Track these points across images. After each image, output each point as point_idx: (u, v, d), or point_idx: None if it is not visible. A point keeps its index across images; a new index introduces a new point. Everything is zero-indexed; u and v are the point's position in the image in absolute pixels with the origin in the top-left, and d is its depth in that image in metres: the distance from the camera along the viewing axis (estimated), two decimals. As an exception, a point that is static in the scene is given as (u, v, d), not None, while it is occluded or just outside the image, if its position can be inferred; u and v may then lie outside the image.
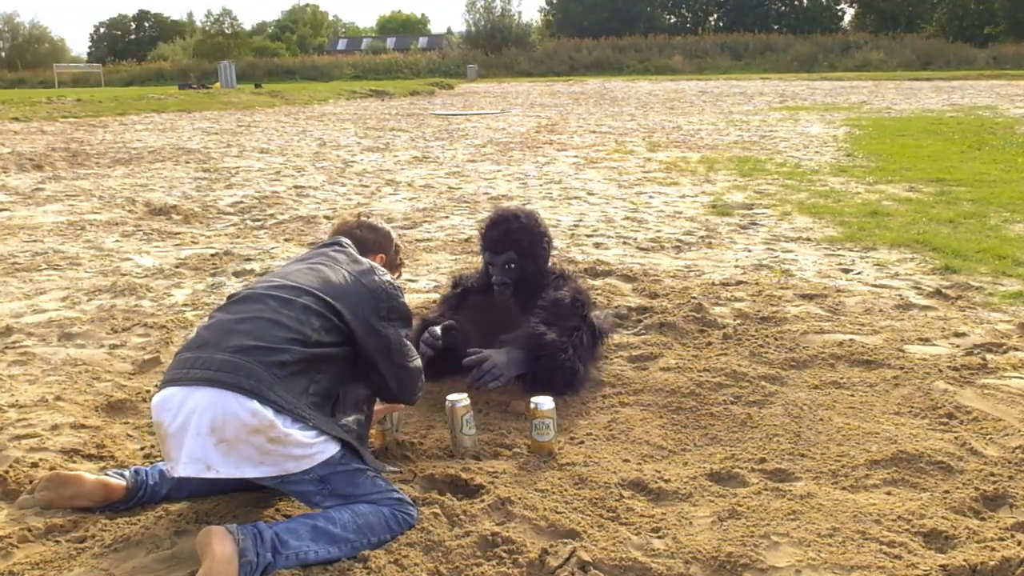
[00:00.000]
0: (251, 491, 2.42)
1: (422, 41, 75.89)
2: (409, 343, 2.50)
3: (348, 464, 2.24)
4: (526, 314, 3.28)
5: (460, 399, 2.71)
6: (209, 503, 2.40)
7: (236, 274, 5.16)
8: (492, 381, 3.08)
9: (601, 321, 3.49)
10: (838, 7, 65.59)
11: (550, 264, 3.53)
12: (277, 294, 2.33)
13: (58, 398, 3.16)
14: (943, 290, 4.50)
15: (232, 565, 1.96)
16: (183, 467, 2.09)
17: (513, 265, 3.33)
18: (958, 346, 3.64)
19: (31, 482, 2.47)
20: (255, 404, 2.08)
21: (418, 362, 2.53)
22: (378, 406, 2.61)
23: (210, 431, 2.07)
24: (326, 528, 2.13)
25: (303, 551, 2.09)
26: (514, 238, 3.32)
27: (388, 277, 2.51)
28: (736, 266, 5.21)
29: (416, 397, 2.57)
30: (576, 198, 7.93)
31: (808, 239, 5.98)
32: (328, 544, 2.12)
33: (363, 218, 2.87)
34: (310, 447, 2.16)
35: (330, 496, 2.22)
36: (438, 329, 3.16)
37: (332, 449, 2.21)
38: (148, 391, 3.26)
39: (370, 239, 2.77)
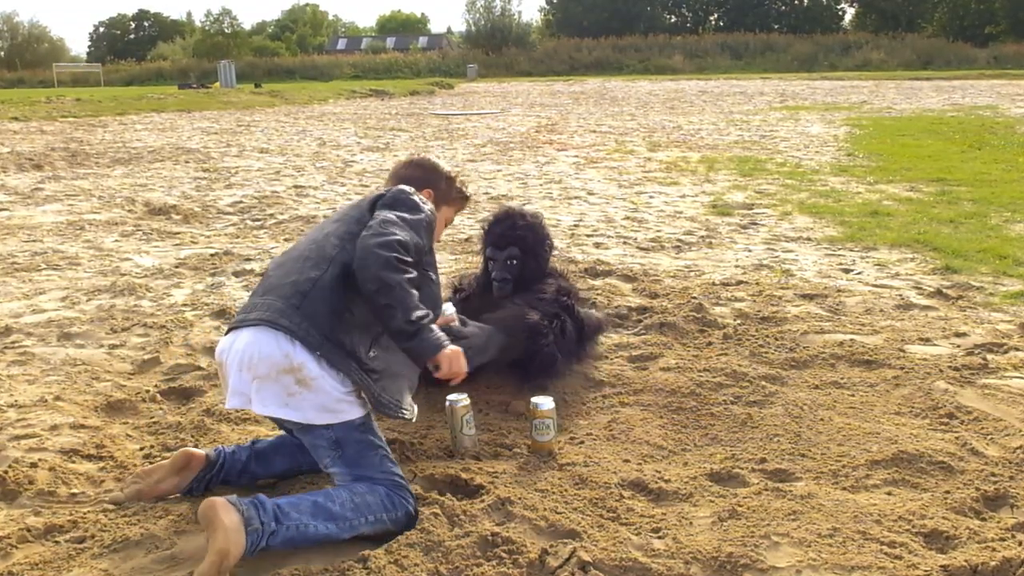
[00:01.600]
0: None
1: (422, 41, 75.90)
2: (394, 222, 2.29)
3: (365, 434, 2.30)
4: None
5: (460, 399, 2.70)
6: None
7: (236, 274, 5.15)
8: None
9: (591, 317, 3.48)
10: (838, 7, 65.61)
11: (551, 266, 3.53)
12: (309, 236, 2.46)
13: (57, 398, 3.16)
14: (944, 290, 4.50)
15: (240, 534, 2.02)
16: (230, 399, 2.28)
17: (515, 261, 3.33)
18: (959, 346, 3.64)
19: (31, 482, 2.48)
20: (287, 344, 2.20)
21: (391, 238, 2.23)
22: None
23: (248, 367, 2.23)
24: (325, 505, 2.19)
25: (303, 524, 2.14)
26: (518, 235, 3.34)
27: (407, 188, 2.49)
28: (736, 266, 5.20)
29: (373, 275, 2.18)
30: (576, 198, 7.93)
31: (808, 239, 5.98)
32: (327, 521, 2.17)
33: (412, 157, 2.83)
34: (337, 402, 2.24)
35: (339, 462, 2.29)
36: (450, 308, 2.99)
37: (356, 412, 2.28)
38: (148, 391, 3.25)
39: (415, 175, 2.70)
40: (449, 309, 2.97)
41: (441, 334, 2.28)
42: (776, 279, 4.84)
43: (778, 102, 22.07)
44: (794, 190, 8.06)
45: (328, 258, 2.32)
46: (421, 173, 2.72)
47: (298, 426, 2.30)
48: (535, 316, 3.15)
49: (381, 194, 2.48)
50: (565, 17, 63.91)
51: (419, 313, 2.20)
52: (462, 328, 2.99)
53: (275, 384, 2.21)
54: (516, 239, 3.33)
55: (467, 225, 6.68)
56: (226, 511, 2.04)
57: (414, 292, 2.21)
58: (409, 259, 2.24)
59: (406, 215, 2.36)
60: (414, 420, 2.43)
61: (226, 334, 2.36)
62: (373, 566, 2.06)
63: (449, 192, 2.76)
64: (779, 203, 7.37)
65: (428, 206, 2.48)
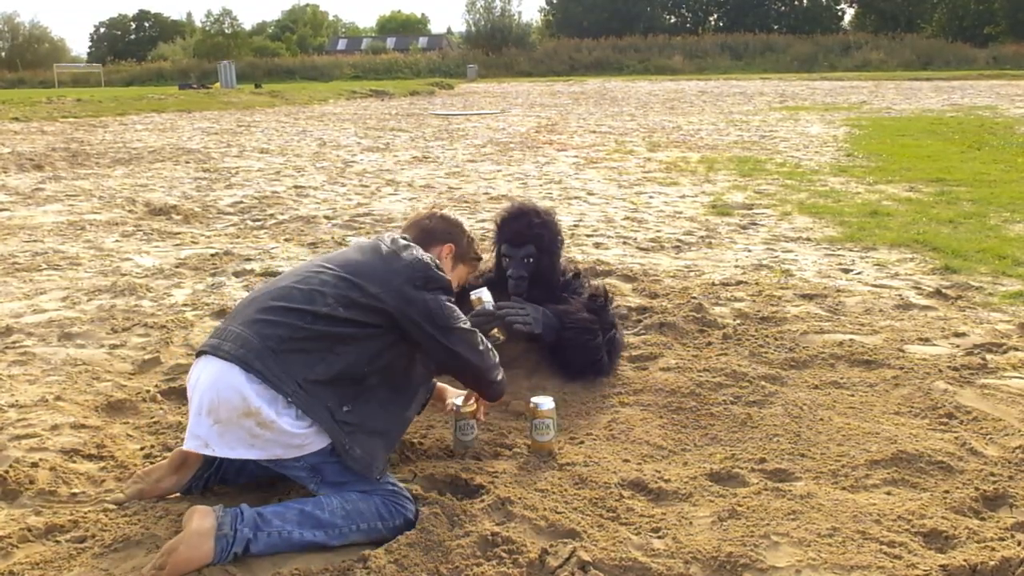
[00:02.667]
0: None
1: (422, 41, 75.88)
2: (456, 309, 2.41)
3: (338, 457, 2.26)
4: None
5: (463, 405, 2.71)
6: (209, 503, 2.40)
7: (236, 274, 5.16)
8: (520, 322, 3.13)
9: (619, 331, 3.51)
10: (838, 7, 65.61)
11: (562, 264, 3.55)
12: (298, 272, 2.40)
13: (58, 398, 3.16)
14: (943, 290, 4.50)
15: (205, 538, 2.05)
16: (187, 442, 2.24)
17: (531, 259, 3.33)
18: (958, 346, 3.64)
19: (31, 482, 2.48)
20: (247, 387, 2.15)
21: (468, 325, 2.43)
22: (466, 406, 2.67)
23: (208, 412, 2.18)
24: (313, 512, 2.18)
25: (286, 531, 2.14)
26: (535, 232, 3.33)
27: (425, 255, 2.45)
28: (736, 266, 5.21)
29: (489, 370, 2.50)
30: (576, 198, 7.93)
31: (808, 239, 5.98)
32: (314, 528, 2.16)
33: (435, 210, 2.80)
34: (300, 437, 2.20)
35: (323, 484, 2.26)
36: (484, 292, 3.05)
37: (322, 442, 2.23)
38: (148, 391, 3.26)
39: (439, 228, 2.70)
40: (485, 295, 3.03)
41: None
42: (776, 279, 4.84)
43: (778, 102, 22.07)
44: (794, 190, 8.06)
45: (316, 314, 2.26)
46: (445, 227, 2.73)
47: (270, 463, 2.27)
48: (587, 316, 3.24)
49: (403, 261, 2.41)
50: (565, 17, 63.91)
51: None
52: (521, 301, 3.18)
53: (237, 428, 2.17)
54: (533, 237, 3.32)
55: (467, 225, 6.68)
56: (201, 517, 2.08)
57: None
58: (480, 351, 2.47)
59: (445, 296, 2.41)
60: (380, 479, 2.32)
61: (197, 356, 2.32)
62: (373, 566, 2.06)
63: (468, 251, 2.78)
64: (779, 203, 7.38)
65: (439, 270, 2.48)
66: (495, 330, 2.80)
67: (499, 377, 2.56)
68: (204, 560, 2.05)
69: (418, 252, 2.45)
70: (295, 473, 2.28)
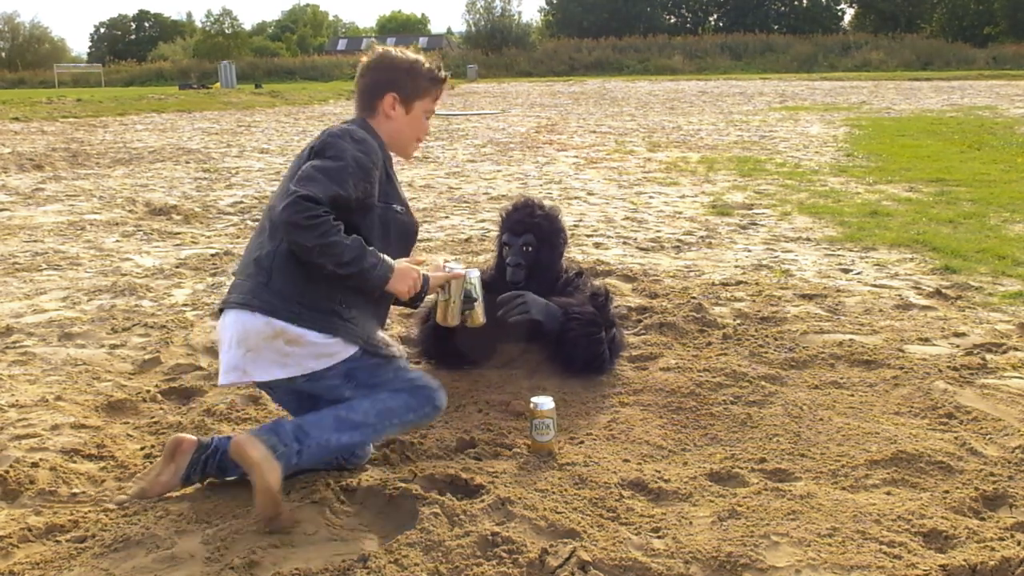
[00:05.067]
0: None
1: (422, 41, 75.73)
2: (309, 178, 2.24)
3: (371, 358, 2.38)
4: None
5: (468, 271, 2.70)
6: (210, 503, 2.41)
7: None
8: (517, 313, 3.18)
9: (620, 331, 3.54)
10: (838, 7, 65.61)
11: (564, 263, 3.58)
12: (270, 201, 2.48)
13: (58, 398, 3.16)
14: (943, 290, 4.51)
15: (272, 462, 2.18)
16: (223, 376, 2.37)
17: (530, 248, 3.38)
18: (958, 346, 3.64)
19: (31, 482, 2.48)
20: (261, 319, 2.29)
21: (294, 198, 2.18)
22: (435, 273, 2.57)
23: (238, 342, 2.31)
24: (348, 416, 2.31)
25: (324, 439, 2.28)
26: (535, 222, 3.41)
27: (337, 133, 2.37)
28: (736, 266, 5.21)
29: (291, 243, 2.24)
30: (576, 198, 7.93)
31: (808, 239, 5.98)
32: (351, 430, 2.31)
33: (369, 56, 2.53)
34: (329, 346, 2.32)
35: (357, 387, 2.37)
36: (475, 272, 2.92)
37: (351, 349, 2.34)
38: (148, 391, 3.26)
39: (373, 81, 2.48)
40: (472, 274, 2.81)
41: (386, 260, 2.32)
42: (776, 279, 4.84)
43: (778, 102, 22.07)
44: (793, 190, 8.06)
45: (276, 226, 2.31)
46: (378, 76, 2.48)
47: (304, 379, 2.35)
48: (590, 310, 3.30)
49: (316, 140, 2.41)
50: (565, 17, 63.90)
51: (348, 256, 2.23)
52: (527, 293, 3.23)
53: (267, 351, 2.29)
54: (532, 226, 3.40)
55: (467, 225, 6.69)
56: (253, 447, 2.18)
57: (335, 240, 2.21)
58: (319, 212, 2.18)
59: (328, 164, 2.28)
60: (402, 355, 2.48)
61: (219, 313, 2.47)
62: (373, 566, 2.06)
63: (416, 85, 2.49)
64: (778, 203, 7.38)
65: (355, 149, 2.32)
66: (474, 312, 2.76)
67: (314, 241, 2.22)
68: (279, 480, 2.19)
69: (328, 132, 2.39)
70: (330, 383, 2.37)
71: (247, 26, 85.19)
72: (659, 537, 2.19)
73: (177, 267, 5.36)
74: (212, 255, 5.66)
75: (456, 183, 9.03)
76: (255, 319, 2.29)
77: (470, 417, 2.97)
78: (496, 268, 3.54)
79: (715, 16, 67.55)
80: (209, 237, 6.38)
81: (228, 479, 2.50)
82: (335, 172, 2.27)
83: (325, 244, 2.20)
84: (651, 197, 7.92)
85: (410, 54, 2.56)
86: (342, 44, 79.08)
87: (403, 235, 2.53)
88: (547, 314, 3.25)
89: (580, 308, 3.29)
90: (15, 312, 4.35)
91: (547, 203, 3.60)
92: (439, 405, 2.41)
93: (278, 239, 2.33)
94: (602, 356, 3.29)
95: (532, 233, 3.38)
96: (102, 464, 2.67)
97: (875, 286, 4.67)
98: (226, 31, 73.15)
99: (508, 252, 3.41)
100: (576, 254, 5.55)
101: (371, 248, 2.31)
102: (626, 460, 2.65)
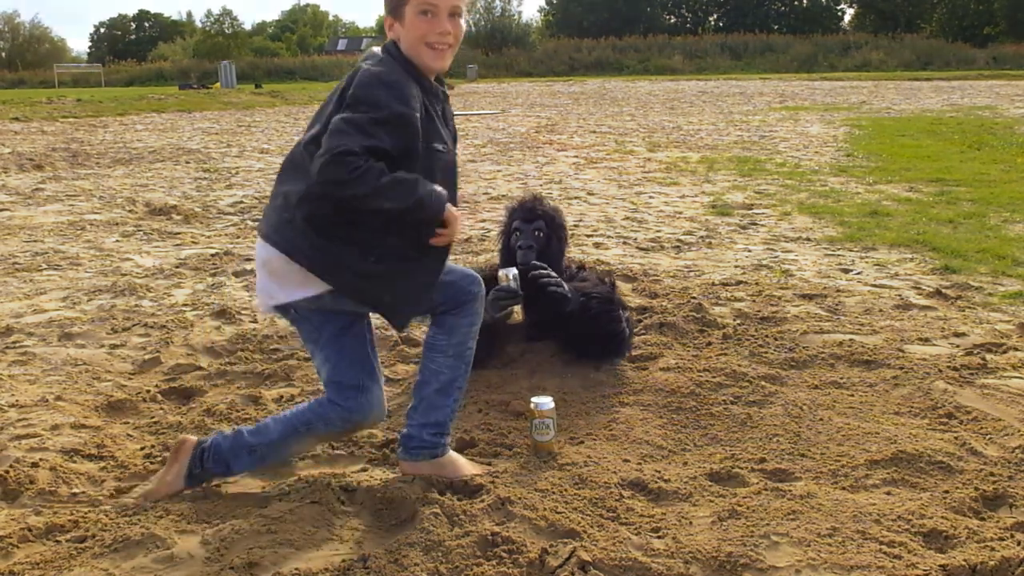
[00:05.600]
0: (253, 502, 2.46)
1: (422, 41, 75.68)
2: (343, 132, 2.14)
3: (353, 324, 2.43)
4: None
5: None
6: (210, 503, 2.41)
7: (236, 274, 5.16)
8: (555, 285, 3.25)
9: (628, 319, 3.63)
10: (838, 7, 65.68)
11: (565, 261, 3.64)
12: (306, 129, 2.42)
13: (58, 398, 3.16)
14: (943, 290, 4.51)
15: (184, 469, 2.44)
16: (259, 302, 2.52)
17: (541, 233, 3.46)
18: (958, 346, 3.64)
19: (31, 482, 2.48)
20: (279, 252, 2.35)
21: (333, 154, 2.11)
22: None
23: (263, 265, 2.41)
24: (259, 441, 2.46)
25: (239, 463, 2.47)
26: (545, 210, 3.53)
27: (375, 77, 2.23)
28: (736, 266, 5.21)
29: (341, 198, 2.18)
30: (576, 198, 7.93)
31: (808, 239, 5.98)
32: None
33: None
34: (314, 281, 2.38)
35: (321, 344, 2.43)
36: (514, 271, 3.16)
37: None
38: (148, 391, 3.26)
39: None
40: (512, 273, 3.14)
41: (437, 187, 2.27)
42: (775, 279, 4.84)
43: (777, 102, 22.07)
44: (793, 190, 8.06)
45: (306, 170, 2.24)
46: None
47: (332, 298, 2.35)
48: (609, 294, 3.39)
49: (348, 82, 2.27)
50: (565, 17, 63.97)
51: (404, 190, 2.18)
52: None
53: (289, 273, 2.33)
54: (543, 215, 3.51)
55: (467, 225, 6.69)
56: (185, 453, 2.44)
57: (386, 180, 2.14)
58: (359, 163, 2.11)
59: (359, 116, 2.16)
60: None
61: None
62: (373, 566, 2.06)
63: (420, 2, 2.31)
64: (778, 203, 7.38)
65: (388, 96, 2.20)
66: (512, 309, 2.92)
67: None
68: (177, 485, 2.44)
69: (362, 68, 2.29)
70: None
71: (247, 26, 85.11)
72: (659, 537, 2.19)
73: (177, 267, 5.36)
74: (212, 255, 5.66)
75: (456, 183, 9.02)
76: (274, 253, 2.35)
77: (470, 417, 2.97)
78: (501, 263, 3.57)
79: (715, 16, 67.60)
80: (209, 237, 6.38)
81: (229, 479, 2.50)
82: (368, 124, 2.16)
83: (379, 187, 2.13)
84: (651, 197, 7.92)
85: None
86: (342, 44, 79.08)
87: (448, 175, 2.40)
88: (573, 295, 3.34)
89: (596, 289, 3.40)
90: (15, 312, 4.35)
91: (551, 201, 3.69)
92: (359, 420, 2.45)
93: (306, 180, 2.24)
94: (622, 333, 3.38)
95: (543, 220, 3.49)
96: (102, 464, 2.67)
97: (875, 286, 4.67)
98: (226, 31, 73.14)
99: (519, 237, 3.47)
100: (576, 254, 5.55)
101: (419, 176, 2.24)
102: (626, 460, 2.65)
